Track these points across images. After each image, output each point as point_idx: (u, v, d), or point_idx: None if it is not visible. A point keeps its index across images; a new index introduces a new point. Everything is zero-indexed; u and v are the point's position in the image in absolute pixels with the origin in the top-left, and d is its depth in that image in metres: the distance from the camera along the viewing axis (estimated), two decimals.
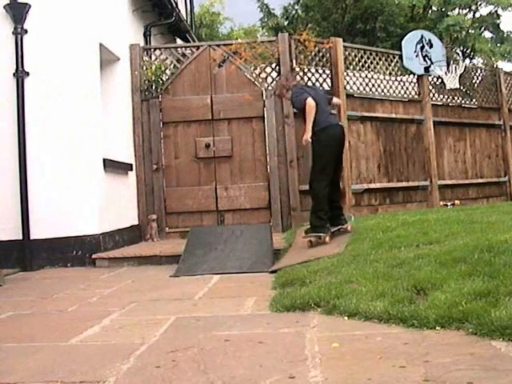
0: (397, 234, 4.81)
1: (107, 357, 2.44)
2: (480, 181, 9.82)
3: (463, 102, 9.79)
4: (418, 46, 9.19)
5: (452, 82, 9.37)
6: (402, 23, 18.55)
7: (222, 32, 26.73)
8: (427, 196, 8.89)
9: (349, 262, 4.04)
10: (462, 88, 9.65)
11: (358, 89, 8.39)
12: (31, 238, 5.82)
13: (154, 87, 7.47)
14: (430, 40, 9.40)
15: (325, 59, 7.99)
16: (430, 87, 9.25)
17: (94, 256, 5.89)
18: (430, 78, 9.27)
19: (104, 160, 6.23)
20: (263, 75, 7.57)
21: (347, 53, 8.28)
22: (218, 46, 7.70)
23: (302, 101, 5.16)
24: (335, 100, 5.76)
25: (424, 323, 2.57)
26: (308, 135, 5.11)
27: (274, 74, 7.56)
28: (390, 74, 8.82)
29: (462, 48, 20.34)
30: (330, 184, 5.25)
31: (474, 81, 10.02)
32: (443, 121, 9.29)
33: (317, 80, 7.89)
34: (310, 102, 5.10)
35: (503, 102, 10.25)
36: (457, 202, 9.00)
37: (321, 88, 7.26)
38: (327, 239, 5.17)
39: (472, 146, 9.84)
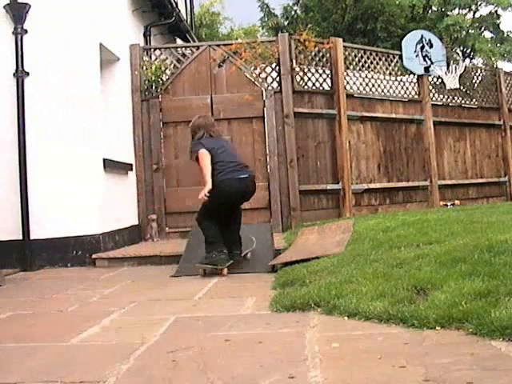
0: (397, 234, 4.81)
1: (107, 357, 2.44)
2: (480, 181, 9.82)
3: (463, 101, 9.79)
4: (418, 46, 9.20)
5: (452, 82, 9.37)
6: (403, 23, 18.52)
7: (222, 32, 26.68)
8: (427, 196, 8.89)
9: (349, 261, 4.05)
10: (461, 88, 9.65)
11: (358, 89, 8.39)
12: (31, 237, 5.82)
13: (153, 87, 7.47)
14: (430, 40, 9.41)
15: (325, 59, 7.99)
16: (430, 87, 9.25)
17: (94, 256, 5.90)
18: (430, 78, 9.27)
19: (104, 160, 6.23)
20: (263, 75, 7.57)
21: (347, 53, 8.29)
22: (218, 45, 7.70)
23: (195, 153, 4.97)
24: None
25: (424, 323, 2.57)
26: (206, 189, 4.80)
27: (274, 74, 7.57)
28: (390, 74, 8.83)
29: (461, 48, 20.33)
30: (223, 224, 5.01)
31: (473, 81, 10.02)
32: (443, 121, 9.29)
33: (317, 80, 7.90)
34: (203, 152, 4.89)
35: (503, 102, 10.25)
36: (457, 201, 9.01)
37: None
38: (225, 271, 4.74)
39: (472, 146, 9.85)
